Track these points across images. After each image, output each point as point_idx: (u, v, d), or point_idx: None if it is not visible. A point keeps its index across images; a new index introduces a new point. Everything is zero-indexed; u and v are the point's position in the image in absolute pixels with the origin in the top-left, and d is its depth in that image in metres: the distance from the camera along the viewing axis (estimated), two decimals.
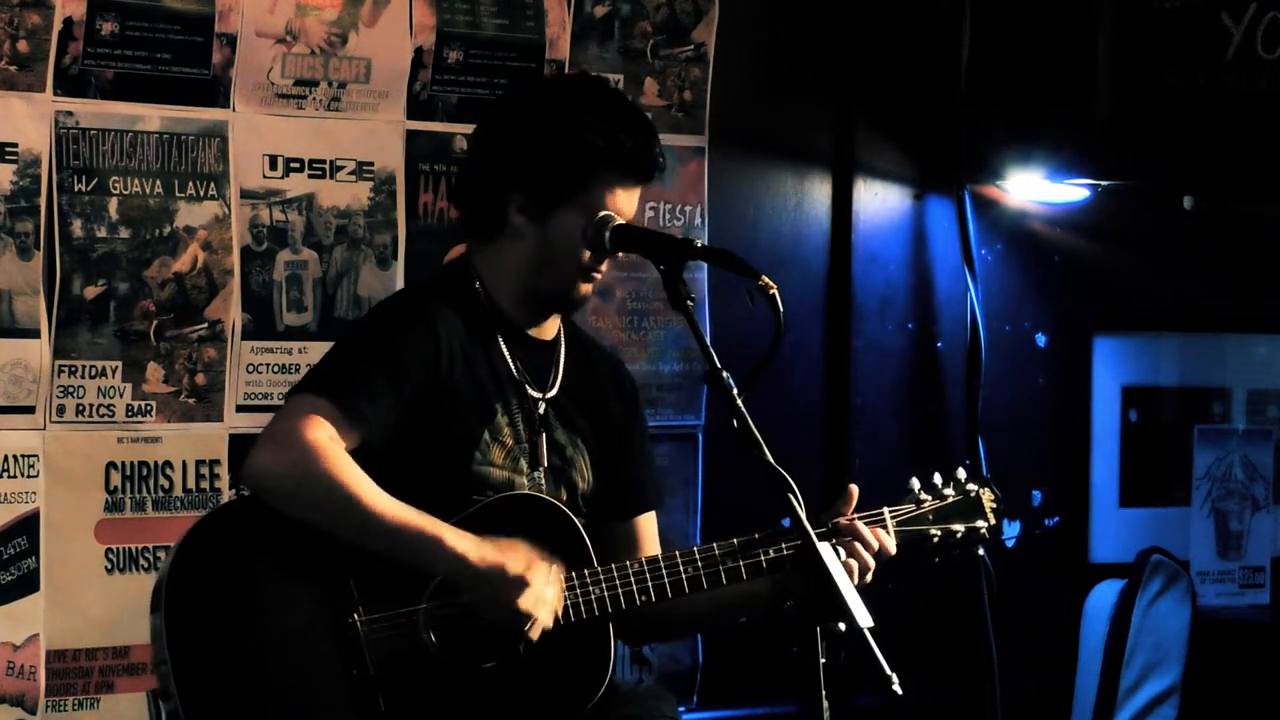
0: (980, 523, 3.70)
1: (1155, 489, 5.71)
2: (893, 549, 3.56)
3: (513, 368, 3.61)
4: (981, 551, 3.73)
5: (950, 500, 3.69)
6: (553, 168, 3.52)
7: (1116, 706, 5.33)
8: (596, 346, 3.83)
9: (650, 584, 3.50)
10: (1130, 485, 5.66)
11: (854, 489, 3.59)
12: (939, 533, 3.67)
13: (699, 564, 3.52)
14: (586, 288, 3.64)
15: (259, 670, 3.35)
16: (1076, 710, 5.38)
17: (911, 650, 4.03)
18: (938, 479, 3.70)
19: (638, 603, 3.49)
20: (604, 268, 3.62)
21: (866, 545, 3.52)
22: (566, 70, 4.64)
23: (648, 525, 3.75)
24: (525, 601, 3.36)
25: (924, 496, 3.67)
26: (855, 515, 3.57)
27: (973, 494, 3.71)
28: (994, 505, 3.71)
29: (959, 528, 3.69)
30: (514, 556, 3.38)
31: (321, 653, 3.36)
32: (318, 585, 3.38)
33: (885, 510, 3.63)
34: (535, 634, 3.38)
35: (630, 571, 3.49)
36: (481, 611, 3.38)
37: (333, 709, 3.36)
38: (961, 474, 3.72)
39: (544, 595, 3.38)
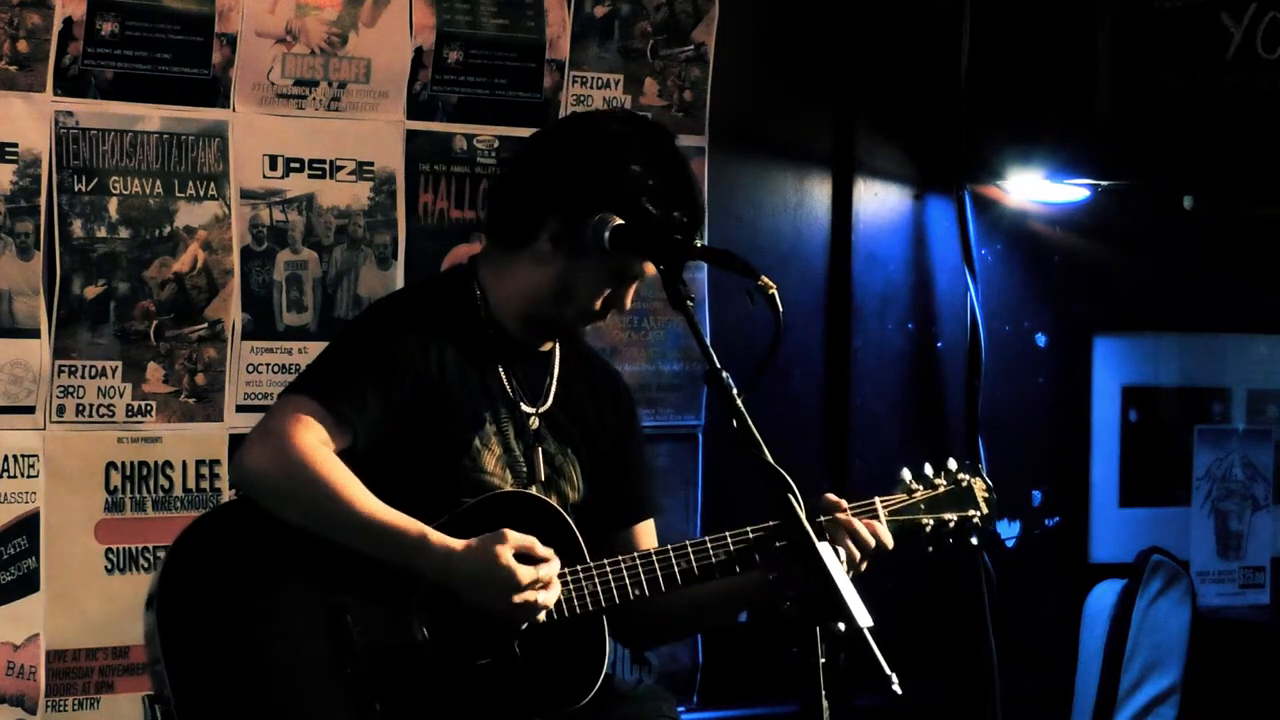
0: (973, 511, 3.69)
1: (1155, 489, 5.71)
2: (889, 542, 3.54)
3: (505, 382, 3.59)
4: (975, 541, 3.73)
5: (942, 490, 3.68)
6: (598, 214, 3.47)
7: (1116, 706, 5.33)
8: (593, 355, 3.81)
9: (643, 577, 3.49)
10: (1130, 485, 5.65)
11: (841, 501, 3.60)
12: (931, 522, 3.67)
13: (691, 556, 3.52)
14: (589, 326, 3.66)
15: (253, 670, 3.34)
16: (1076, 710, 5.37)
17: (911, 650, 4.02)
18: (929, 469, 3.69)
19: (630, 596, 3.48)
20: (608, 317, 3.62)
21: (859, 541, 3.52)
22: (567, 69, 4.64)
23: (647, 533, 3.74)
24: (520, 595, 3.34)
25: (915, 486, 3.66)
26: (848, 508, 3.57)
27: (964, 483, 3.70)
28: (986, 495, 3.71)
29: (951, 517, 3.68)
30: (501, 548, 3.35)
31: (316, 651, 3.36)
32: (311, 584, 3.37)
33: (877, 500, 3.62)
34: (541, 618, 3.37)
35: (623, 566, 3.49)
36: (481, 608, 3.37)
37: (327, 708, 3.35)
38: (952, 464, 3.72)
39: (534, 580, 3.35)
